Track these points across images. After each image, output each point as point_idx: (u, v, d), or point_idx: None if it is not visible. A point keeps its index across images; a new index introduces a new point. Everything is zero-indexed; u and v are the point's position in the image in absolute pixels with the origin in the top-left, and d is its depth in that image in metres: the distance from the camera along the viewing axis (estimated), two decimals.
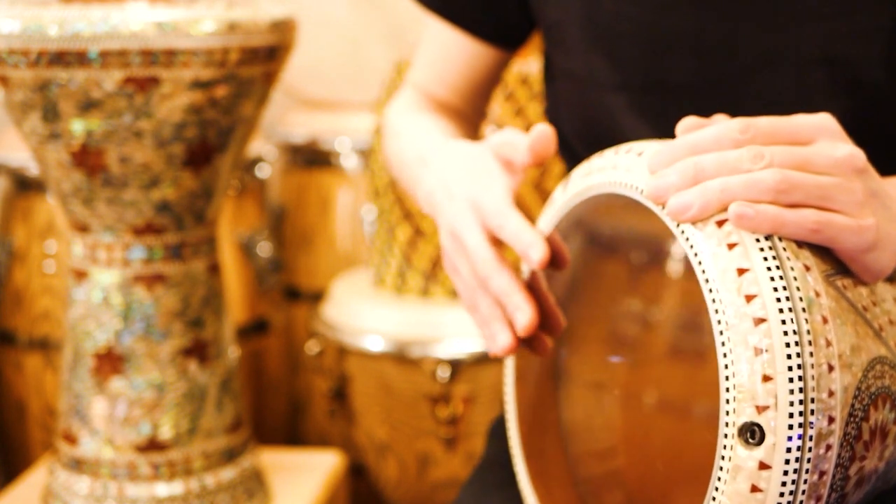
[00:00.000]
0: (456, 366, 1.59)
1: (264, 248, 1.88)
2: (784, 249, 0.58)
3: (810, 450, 0.56)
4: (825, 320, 0.57)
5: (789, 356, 0.56)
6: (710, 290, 0.58)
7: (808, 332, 0.56)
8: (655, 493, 0.66)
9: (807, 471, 0.56)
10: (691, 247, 0.59)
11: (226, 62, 1.20)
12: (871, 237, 0.60)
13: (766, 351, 0.56)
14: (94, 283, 1.29)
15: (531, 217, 0.72)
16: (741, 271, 0.57)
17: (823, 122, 0.63)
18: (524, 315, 0.70)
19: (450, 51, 0.99)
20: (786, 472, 0.56)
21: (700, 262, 0.58)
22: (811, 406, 0.56)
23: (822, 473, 0.57)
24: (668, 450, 0.65)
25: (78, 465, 1.31)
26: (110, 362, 1.29)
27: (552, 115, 0.97)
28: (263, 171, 1.94)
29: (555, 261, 0.73)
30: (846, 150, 0.62)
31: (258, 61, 1.23)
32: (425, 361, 1.60)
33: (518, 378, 0.78)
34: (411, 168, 0.89)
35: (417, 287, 1.69)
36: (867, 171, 0.62)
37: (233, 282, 1.81)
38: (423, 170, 0.84)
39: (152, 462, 1.30)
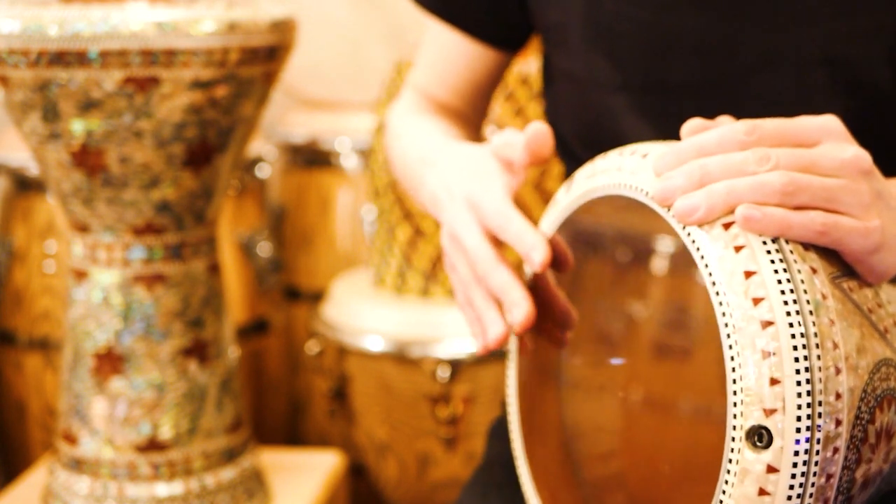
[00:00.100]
0: (456, 366, 1.59)
1: (264, 248, 1.88)
2: (791, 252, 0.58)
3: (818, 453, 0.56)
4: (832, 323, 0.57)
5: (797, 359, 0.56)
6: (717, 293, 0.58)
7: (816, 334, 0.56)
8: (659, 495, 0.66)
9: (814, 474, 0.56)
10: (697, 249, 0.59)
11: (226, 62, 1.20)
12: (878, 239, 0.60)
13: (774, 354, 0.56)
14: (94, 283, 1.29)
15: (531, 217, 0.72)
16: (748, 274, 0.57)
17: (828, 123, 0.63)
18: (521, 310, 0.70)
19: (451, 53, 0.99)
20: (793, 476, 0.56)
21: (707, 265, 0.58)
22: (819, 409, 0.56)
23: (829, 476, 0.57)
24: (671, 451, 0.65)
25: (78, 465, 1.31)
26: (110, 362, 1.29)
27: (551, 117, 0.97)
28: (263, 171, 1.94)
29: (558, 262, 0.73)
30: (852, 152, 0.62)
31: (258, 61, 1.23)
32: (425, 361, 1.60)
33: (520, 380, 0.78)
34: (414, 170, 0.89)
35: (417, 287, 1.69)
36: (872, 173, 0.62)
37: (233, 282, 1.81)
38: (425, 171, 0.85)
39: (152, 462, 1.30)
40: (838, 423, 0.57)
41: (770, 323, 0.56)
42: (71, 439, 1.32)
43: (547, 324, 0.75)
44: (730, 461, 0.57)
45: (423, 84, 1.02)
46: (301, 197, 2.05)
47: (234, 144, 1.28)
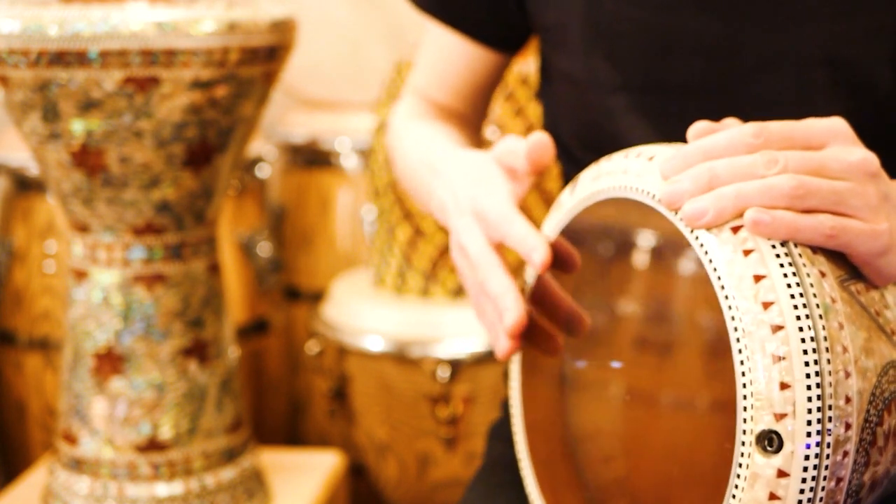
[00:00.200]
0: (456, 366, 1.59)
1: (264, 248, 1.88)
2: (800, 255, 0.58)
3: (828, 457, 0.56)
4: (841, 326, 0.57)
5: (807, 363, 0.56)
6: (726, 297, 0.58)
7: (826, 338, 0.56)
8: (664, 500, 0.66)
9: (825, 478, 0.56)
10: (706, 253, 0.59)
11: (226, 62, 1.20)
12: (885, 241, 0.60)
13: (784, 358, 0.56)
14: (94, 283, 1.29)
15: (532, 218, 0.72)
16: (758, 278, 0.57)
17: (835, 125, 0.63)
18: (510, 315, 0.70)
19: (450, 55, 0.99)
20: (804, 480, 0.56)
21: (715, 269, 0.58)
22: (829, 413, 0.56)
23: (839, 480, 0.57)
24: (675, 455, 0.65)
25: (78, 465, 1.31)
26: (110, 362, 1.29)
27: (549, 118, 0.97)
28: (263, 171, 1.94)
29: (563, 264, 0.73)
30: (860, 155, 0.62)
31: (258, 61, 1.23)
32: (425, 361, 1.60)
33: (524, 382, 0.78)
34: (421, 177, 0.89)
35: (417, 287, 1.69)
36: (880, 176, 0.62)
37: (233, 282, 1.81)
38: (433, 179, 0.85)
39: (152, 462, 1.30)
40: (848, 426, 0.57)
41: (780, 327, 0.56)
42: (71, 439, 1.32)
43: (546, 329, 0.75)
44: (739, 465, 0.57)
45: (423, 87, 1.01)
46: (301, 197, 2.05)
47: (234, 144, 1.28)
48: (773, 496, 0.56)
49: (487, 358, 1.60)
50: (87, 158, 1.22)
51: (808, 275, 0.58)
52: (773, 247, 0.58)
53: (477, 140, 1.02)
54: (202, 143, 1.24)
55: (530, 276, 0.76)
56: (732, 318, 0.57)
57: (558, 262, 0.72)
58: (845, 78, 0.81)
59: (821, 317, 0.57)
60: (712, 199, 0.59)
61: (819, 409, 0.56)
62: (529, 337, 0.75)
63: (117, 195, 1.24)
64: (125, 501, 1.30)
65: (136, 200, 1.25)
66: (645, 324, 0.69)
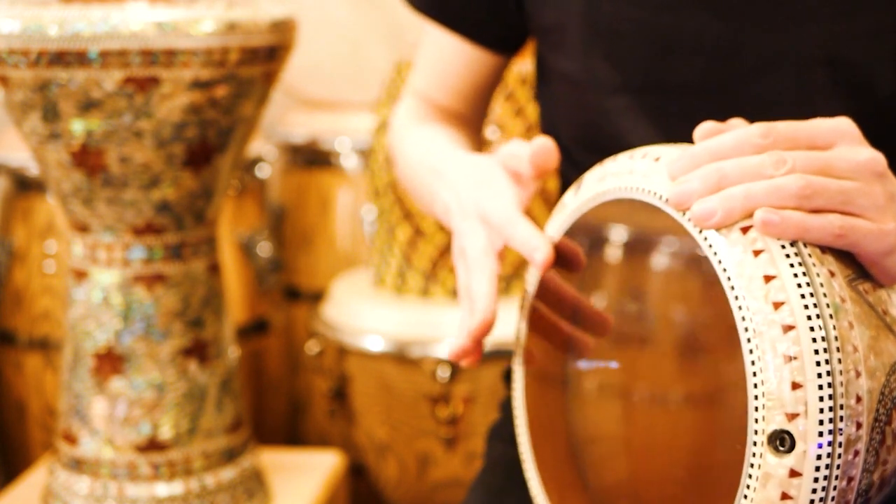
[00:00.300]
0: (456, 366, 1.59)
1: (264, 248, 1.88)
2: (809, 255, 0.58)
3: (839, 456, 0.56)
4: (851, 325, 0.57)
5: (818, 363, 0.56)
6: (736, 298, 0.58)
7: (836, 338, 0.57)
8: (671, 501, 0.66)
9: (836, 477, 0.56)
10: (715, 254, 0.59)
11: (226, 62, 1.20)
12: (893, 241, 0.61)
13: (796, 358, 0.56)
14: (94, 283, 1.29)
15: (535, 220, 0.72)
16: (768, 278, 0.57)
17: (842, 125, 0.63)
18: (477, 316, 0.71)
19: (450, 57, 0.99)
20: (816, 480, 0.56)
21: (725, 269, 0.58)
22: (840, 412, 0.56)
23: (850, 479, 0.57)
24: (683, 456, 0.65)
25: (78, 465, 1.31)
26: (110, 362, 1.29)
27: (547, 119, 0.96)
28: (263, 171, 1.94)
29: (568, 263, 0.73)
30: (867, 154, 0.62)
31: (258, 61, 1.23)
32: (425, 361, 1.60)
33: (528, 384, 0.77)
34: (425, 181, 0.89)
35: (417, 287, 1.69)
36: (886, 175, 0.62)
37: (233, 282, 1.81)
38: (437, 182, 0.85)
39: (152, 462, 1.30)
40: (859, 425, 0.57)
41: (791, 327, 0.56)
42: (71, 439, 1.32)
43: (556, 331, 0.74)
44: (751, 465, 0.57)
45: (422, 88, 1.01)
46: (301, 197, 2.04)
47: (234, 144, 1.28)
48: (785, 496, 0.56)
49: (487, 358, 1.59)
50: (87, 158, 1.22)
51: (818, 274, 0.58)
52: (783, 247, 0.58)
53: (478, 141, 1.02)
54: (202, 143, 1.24)
55: (533, 277, 0.76)
56: (743, 319, 0.57)
57: (563, 261, 0.72)
58: (845, 78, 0.81)
59: (831, 316, 0.57)
60: (721, 199, 0.59)
61: (831, 409, 0.56)
62: (541, 334, 0.75)
63: (117, 195, 1.24)
64: (125, 501, 1.30)
65: (136, 200, 1.25)
66: (647, 324, 0.68)
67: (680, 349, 0.65)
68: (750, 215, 0.59)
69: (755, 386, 0.57)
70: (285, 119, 2.09)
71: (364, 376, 1.65)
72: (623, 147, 0.74)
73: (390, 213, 1.69)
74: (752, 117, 0.66)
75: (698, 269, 0.63)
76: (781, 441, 0.56)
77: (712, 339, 0.62)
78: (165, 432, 1.30)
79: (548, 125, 0.96)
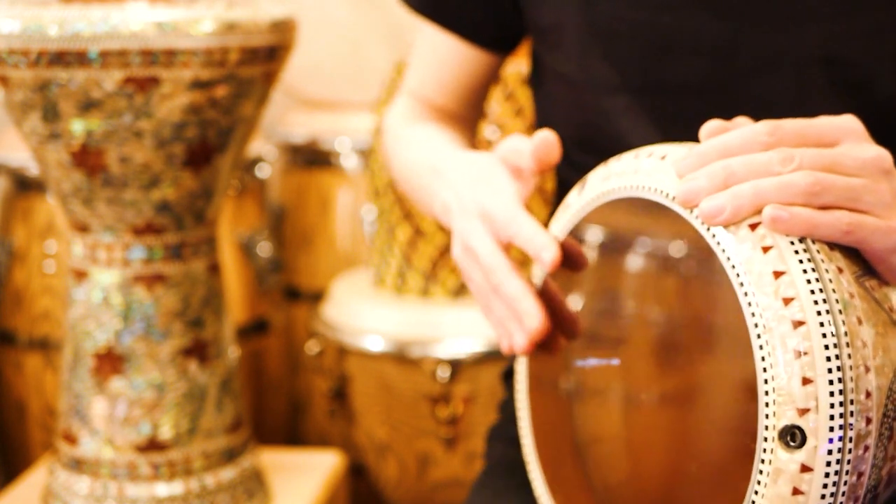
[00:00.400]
0: (456, 366, 1.59)
1: (264, 248, 1.88)
2: (818, 252, 0.59)
3: (850, 451, 0.56)
4: (860, 321, 0.58)
5: (828, 358, 0.56)
6: (746, 294, 0.58)
7: (846, 333, 0.57)
8: (678, 500, 0.66)
9: (847, 472, 0.57)
10: (723, 251, 0.59)
11: (226, 62, 1.20)
12: None
13: (806, 353, 0.56)
14: (94, 283, 1.29)
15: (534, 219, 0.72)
16: (777, 274, 0.57)
17: (848, 123, 0.64)
18: (532, 320, 0.70)
19: (445, 57, 0.98)
20: (827, 475, 0.56)
21: (733, 266, 0.59)
22: (850, 408, 0.56)
23: (860, 474, 0.57)
24: (690, 454, 0.65)
25: (78, 465, 1.31)
26: (110, 362, 1.29)
27: (543, 119, 0.96)
28: (263, 171, 1.94)
29: (572, 263, 0.73)
30: (873, 152, 0.62)
31: (258, 61, 1.23)
32: (425, 361, 1.60)
33: (531, 385, 0.77)
34: (422, 179, 0.89)
35: (417, 287, 1.69)
36: (892, 172, 0.62)
37: (233, 282, 1.81)
38: (435, 181, 0.85)
39: (152, 462, 1.30)
40: (868, 421, 0.57)
41: (801, 322, 0.56)
42: (71, 439, 1.32)
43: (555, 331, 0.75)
44: (762, 461, 0.57)
45: (417, 88, 1.01)
46: (301, 197, 2.04)
47: (234, 144, 1.28)
48: (796, 491, 0.57)
49: (487, 358, 1.60)
50: (87, 158, 1.22)
51: (827, 270, 0.58)
52: (792, 243, 0.58)
53: (473, 140, 1.02)
54: (202, 143, 1.24)
55: (537, 275, 0.76)
56: (752, 315, 0.57)
57: (567, 261, 0.72)
58: (844, 78, 0.81)
59: (840, 312, 0.57)
60: (729, 196, 0.60)
61: (841, 404, 0.56)
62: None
63: (117, 195, 1.24)
64: (125, 501, 1.30)
65: (136, 200, 1.25)
66: (650, 324, 0.68)
67: (683, 347, 0.65)
68: (758, 212, 0.59)
69: (765, 382, 0.57)
70: (285, 119, 2.09)
71: (364, 376, 1.65)
72: (621, 147, 0.74)
73: (390, 213, 1.70)
74: (751, 117, 0.67)
75: (700, 268, 0.63)
76: (792, 436, 0.56)
77: (717, 336, 0.62)
78: (165, 432, 1.30)
79: (544, 126, 0.96)
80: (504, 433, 0.96)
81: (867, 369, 0.57)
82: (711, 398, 0.63)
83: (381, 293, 1.73)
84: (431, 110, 1.00)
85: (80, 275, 1.30)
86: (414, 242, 1.67)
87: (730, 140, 0.62)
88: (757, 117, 0.66)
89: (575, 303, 0.74)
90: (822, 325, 0.56)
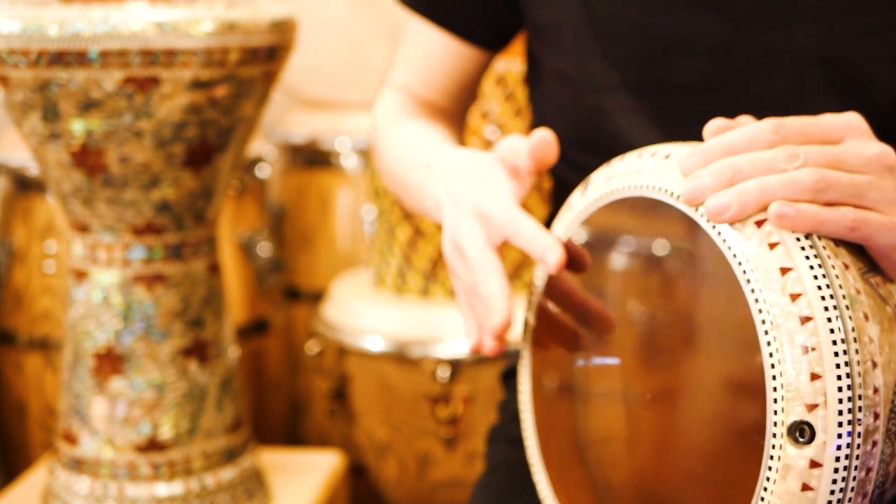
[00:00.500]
0: (456, 366, 1.59)
1: (264, 248, 1.88)
2: (824, 248, 0.59)
3: (859, 447, 0.57)
4: (866, 317, 0.58)
5: (836, 353, 0.56)
6: (753, 290, 0.58)
7: (853, 329, 0.57)
8: (685, 499, 0.65)
9: (856, 468, 0.57)
10: (729, 248, 0.59)
11: (225, 62, 1.20)
12: None
13: (814, 349, 0.56)
14: (94, 283, 1.29)
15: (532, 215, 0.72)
16: (784, 270, 0.58)
17: (852, 120, 0.64)
18: (497, 317, 0.71)
19: (437, 53, 0.98)
20: (836, 470, 0.56)
21: (740, 263, 0.59)
22: (859, 403, 0.56)
23: (868, 470, 0.57)
24: (696, 452, 0.65)
25: (78, 465, 1.31)
26: (110, 362, 1.29)
27: (540, 118, 0.96)
28: (263, 171, 1.94)
29: (574, 264, 0.73)
30: (877, 149, 0.62)
31: (258, 61, 1.23)
32: (425, 361, 1.60)
33: (534, 386, 0.77)
34: (414, 177, 0.89)
35: (417, 287, 1.69)
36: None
37: (233, 282, 1.81)
38: (427, 177, 0.84)
39: (152, 462, 1.30)
40: (876, 416, 0.57)
41: (809, 318, 0.57)
42: (71, 439, 1.32)
43: (564, 330, 0.74)
44: (771, 457, 0.57)
45: (407, 83, 1.00)
46: (301, 197, 2.04)
47: (234, 144, 1.28)
48: (805, 487, 0.57)
49: (487, 358, 1.60)
50: (87, 158, 1.22)
51: (833, 266, 0.58)
52: (798, 239, 0.59)
53: (461, 136, 1.01)
54: (202, 143, 1.24)
55: (540, 277, 0.76)
56: (760, 311, 0.58)
57: (569, 262, 0.72)
58: (842, 77, 0.81)
59: (847, 307, 0.57)
60: (735, 193, 0.60)
61: (850, 399, 0.56)
62: (549, 334, 0.75)
63: (117, 195, 1.24)
64: (125, 501, 1.30)
65: (136, 200, 1.25)
66: (653, 324, 0.68)
67: (686, 346, 0.65)
68: (764, 209, 0.59)
69: (773, 378, 0.57)
70: (285, 119, 2.09)
71: (364, 376, 1.65)
72: (620, 146, 0.73)
73: (390, 213, 1.70)
74: (750, 116, 0.67)
75: (702, 267, 0.63)
76: (801, 432, 0.56)
77: (721, 334, 0.62)
78: (165, 432, 1.30)
79: (541, 125, 0.95)
80: (504, 434, 0.96)
81: (874, 365, 0.57)
82: (717, 396, 0.63)
83: (381, 293, 1.73)
84: (420, 105, 0.99)
85: (80, 275, 1.30)
86: (414, 242, 1.67)
87: (734, 138, 0.62)
88: (756, 116, 0.66)
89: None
90: (829, 320, 0.57)
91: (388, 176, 0.96)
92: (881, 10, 0.80)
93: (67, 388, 1.32)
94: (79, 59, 1.16)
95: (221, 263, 1.35)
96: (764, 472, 0.58)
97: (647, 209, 0.65)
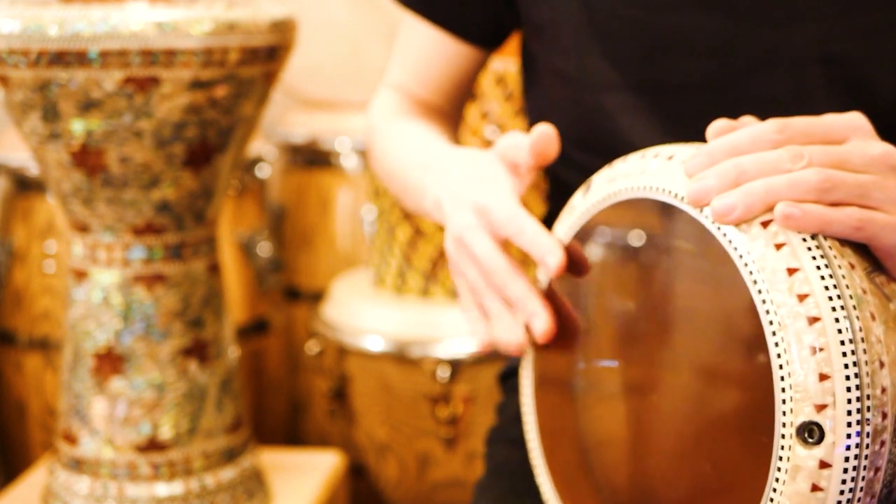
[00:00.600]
0: (456, 366, 1.59)
1: (264, 248, 1.88)
2: (830, 248, 0.59)
3: (867, 446, 0.57)
4: (873, 317, 0.58)
5: (844, 354, 0.56)
6: (760, 291, 0.58)
7: (861, 329, 0.57)
8: (692, 500, 0.65)
9: (864, 468, 0.57)
10: (735, 249, 0.59)
11: (225, 62, 1.20)
12: None
13: (822, 349, 0.56)
14: (94, 283, 1.29)
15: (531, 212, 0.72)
16: (791, 271, 0.58)
17: (855, 120, 0.64)
18: (541, 321, 0.70)
19: (432, 52, 0.97)
20: (845, 470, 0.56)
21: (746, 264, 0.59)
22: (867, 403, 0.56)
23: (877, 469, 0.57)
24: (702, 454, 0.65)
25: (78, 465, 1.31)
26: (110, 362, 1.29)
27: (536, 117, 0.95)
28: (263, 171, 1.94)
29: (575, 267, 0.72)
30: (881, 148, 0.62)
31: (258, 61, 1.23)
32: (425, 361, 1.60)
33: (536, 389, 0.77)
34: (411, 176, 0.88)
35: (417, 287, 1.69)
36: None
37: (233, 282, 1.81)
38: (426, 176, 0.84)
39: (152, 462, 1.30)
40: (884, 416, 0.57)
41: (816, 319, 0.57)
42: (71, 439, 1.32)
43: (565, 331, 0.74)
44: (780, 458, 0.57)
45: (402, 82, 1.00)
46: (301, 197, 2.04)
47: (234, 144, 1.28)
48: (815, 487, 0.57)
49: (487, 358, 1.60)
50: (87, 158, 1.22)
51: (840, 266, 0.58)
52: (804, 240, 0.59)
53: (456, 135, 1.01)
54: (202, 143, 1.24)
55: (541, 279, 0.75)
56: (767, 312, 0.58)
57: (570, 265, 0.72)
58: (842, 77, 0.81)
59: (854, 307, 0.57)
60: (741, 194, 0.60)
61: (858, 399, 0.56)
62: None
63: (117, 195, 1.24)
64: (125, 501, 1.30)
65: (136, 200, 1.25)
66: (654, 324, 0.68)
67: (692, 348, 0.65)
68: (770, 209, 0.59)
69: (782, 378, 0.57)
70: (285, 119, 2.09)
71: (364, 376, 1.65)
72: (620, 145, 0.73)
73: (390, 213, 1.70)
74: (749, 115, 0.66)
75: (708, 268, 0.63)
76: (810, 433, 0.56)
77: (727, 336, 0.62)
78: (165, 432, 1.30)
79: (536, 121, 0.95)
80: (504, 435, 0.95)
81: (882, 364, 0.57)
82: (724, 398, 0.63)
83: (381, 293, 1.73)
84: (416, 104, 0.99)
85: (80, 275, 1.30)
86: (414, 242, 1.67)
87: (739, 139, 0.62)
88: (757, 116, 0.66)
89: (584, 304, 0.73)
90: (837, 321, 0.57)
91: (385, 176, 0.96)
92: (881, 10, 0.80)
93: (67, 388, 1.32)
94: (79, 59, 1.16)
95: (221, 263, 1.35)
96: (773, 473, 0.58)
97: (650, 211, 0.65)
